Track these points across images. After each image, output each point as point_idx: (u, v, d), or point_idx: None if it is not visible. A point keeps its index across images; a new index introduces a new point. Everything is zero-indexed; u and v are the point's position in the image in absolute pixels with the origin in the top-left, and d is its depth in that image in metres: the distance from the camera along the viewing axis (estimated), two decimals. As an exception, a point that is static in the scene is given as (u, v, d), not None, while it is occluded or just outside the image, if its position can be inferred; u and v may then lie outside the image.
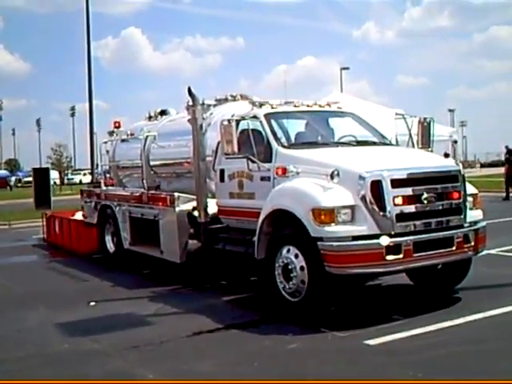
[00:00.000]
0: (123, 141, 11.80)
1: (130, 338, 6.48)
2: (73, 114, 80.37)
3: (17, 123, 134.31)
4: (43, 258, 13.08)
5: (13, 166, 76.50)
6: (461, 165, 7.56)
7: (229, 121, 7.48)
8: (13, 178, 60.36)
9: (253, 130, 7.77)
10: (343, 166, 6.65)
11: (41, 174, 26.85)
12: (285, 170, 7.08)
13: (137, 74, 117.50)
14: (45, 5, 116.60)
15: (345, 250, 6.31)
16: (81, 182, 52.85)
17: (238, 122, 7.73)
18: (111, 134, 12.33)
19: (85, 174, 56.77)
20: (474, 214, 7.29)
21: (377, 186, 6.45)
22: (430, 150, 8.30)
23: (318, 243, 6.40)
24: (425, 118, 8.39)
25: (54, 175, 54.69)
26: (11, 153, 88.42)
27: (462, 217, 6.99)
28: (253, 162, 7.50)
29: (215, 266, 9.09)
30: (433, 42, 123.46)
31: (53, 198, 25.68)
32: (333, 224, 6.36)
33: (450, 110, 79.40)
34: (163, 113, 11.54)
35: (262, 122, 7.76)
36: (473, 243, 7.05)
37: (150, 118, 11.84)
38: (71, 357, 6.01)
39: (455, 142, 15.56)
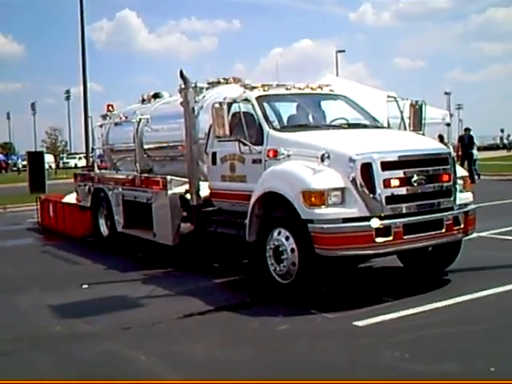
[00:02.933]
0: (116, 124, 11.77)
1: (122, 320, 6.52)
2: (68, 98, 79.68)
3: (12, 107, 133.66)
4: (37, 241, 13.12)
5: (8, 149, 76.10)
6: (451, 147, 7.59)
7: (220, 104, 7.47)
8: (19, 161, 59.84)
9: (244, 112, 7.76)
10: (334, 148, 6.67)
11: (35, 158, 27.04)
12: (276, 153, 7.10)
13: (132, 57, 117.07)
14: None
15: (335, 232, 6.35)
16: (76, 166, 52.70)
17: (229, 104, 7.72)
18: (104, 117, 12.30)
19: (80, 158, 56.57)
20: (463, 197, 7.33)
21: (367, 169, 6.47)
22: (421, 132, 8.30)
23: (309, 225, 6.43)
24: (416, 101, 8.39)
25: (49, 159, 54.58)
26: (6, 137, 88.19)
27: (452, 199, 7.02)
28: (244, 144, 7.51)
29: (208, 249, 9.13)
30: (430, 24, 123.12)
31: (48, 182, 25.90)
32: (323, 206, 6.39)
33: (446, 93, 79.05)
34: (156, 96, 11.51)
35: (253, 105, 7.76)
36: (462, 225, 7.09)
37: (143, 101, 11.80)
38: (63, 339, 6.04)
39: (448, 124, 15.57)
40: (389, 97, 9.01)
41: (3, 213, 19.78)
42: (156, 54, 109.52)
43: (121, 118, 11.57)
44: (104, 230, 11.49)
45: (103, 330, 6.26)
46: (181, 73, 8.27)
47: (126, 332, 6.12)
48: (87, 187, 12.03)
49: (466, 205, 7.34)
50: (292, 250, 6.71)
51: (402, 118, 8.71)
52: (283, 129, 7.60)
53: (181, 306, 6.92)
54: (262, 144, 7.40)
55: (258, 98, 7.84)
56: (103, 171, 12.06)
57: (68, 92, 79.94)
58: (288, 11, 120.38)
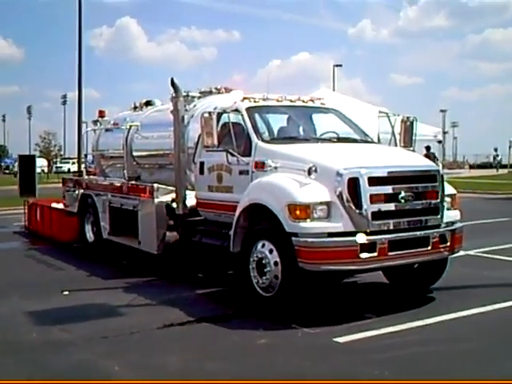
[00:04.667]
0: (107, 130, 11.71)
1: (100, 329, 6.41)
2: (64, 102, 79.69)
3: (8, 109, 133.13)
4: (22, 245, 12.93)
5: (1, 152, 75.89)
6: (440, 165, 7.56)
7: (209, 113, 7.41)
8: (15, 164, 59.40)
9: (234, 123, 7.69)
10: (321, 161, 6.61)
11: (27, 162, 26.60)
12: (263, 165, 7.03)
13: (131, 64, 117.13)
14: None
15: (319, 246, 6.27)
16: (69, 171, 52.48)
17: (219, 114, 7.67)
18: (95, 123, 12.21)
19: (73, 163, 56.22)
20: (451, 215, 7.28)
21: (354, 184, 6.40)
22: (411, 149, 8.27)
23: (293, 238, 6.35)
24: (408, 117, 8.36)
25: (42, 163, 54.44)
26: (1, 139, 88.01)
27: (439, 217, 6.97)
28: (232, 155, 7.44)
29: (193, 259, 9.02)
30: (428, 42, 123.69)
31: (38, 186, 25.67)
32: (308, 220, 6.32)
33: (441, 111, 79.48)
34: (148, 103, 11.42)
35: (243, 116, 7.70)
36: (449, 243, 7.04)
37: (135, 108, 11.72)
38: (38, 346, 5.92)
39: (439, 142, 15.55)
40: (380, 112, 8.98)
41: (-10, 215, 19.59)
42: (155, 62, 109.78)
43: (112, 125, 11.50)
44: (90, 236, 11.36)
45: (80, 338, 6.14)
46: (172, 81, 8.22)
47: (103, 341, 6.01)
48: (75, 193, 11.93)
49: (453, 223, 7.29)
50: (275, 263, 6.63)
51: (393, 134, 8.70)
52: (272, 141, 7.54)
53: (161, 316, 6.81)
54: (249, 155, 7.34)
55: (248, 109, 7.78)
56: (91, 177, 11.98)
57: (65, 97, 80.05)
58: (287, 24, 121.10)
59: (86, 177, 11.95)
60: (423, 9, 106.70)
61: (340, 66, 52.32)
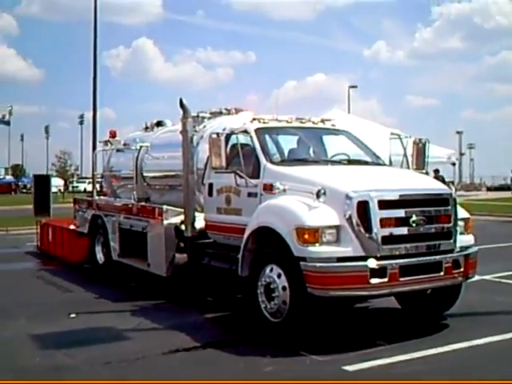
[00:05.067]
0: (118, 151, 11.68)
1: (105, 353, 6.31)
2: (81, 122, 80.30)
3: (27, 129, 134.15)
4: (33, 265, 12.90)
5: (18, 171, 76.65)
6: (453, 188, 7.40)
7: (217, 134, 7.33)
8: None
9: (243, 144, 7.62)
10: (330, 184, 6.48)
11: (41, 181, 26.76)
12: (272, 187, 6.91)
13: (147, 85, 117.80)
14: (59, 13, 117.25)
15: (328, 271, 6.12)
16: (85, 190, 52.72)
17: (228, 135, 7.61)
18: (106, 143, 12.20)
19: (89, 183, 56.64)
20: (464, 239, 7.10)
21: (363, 207, 6.27)
22: (424, 171, 8.12)
23: (301, 263, 6.21)
24: (420, 139, 8.22)
25: (59, 183, 54.77)
26: (19, 159, 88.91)
27: (452, 241, 6.78)
28: (240, 177, 7.34)
29: (202, 281, 8.90)
30: (443, 64, 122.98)
31: (53, 206, 25.77)
32: (317, 244, 6.18)
33: (457, 132, 79.16)
34: (159, 124, 11.38)
35: (252, 137, 7.61)
36: (463, 269, 6.84)
37: (146, 128, 11.68)
38: (40, 371, 5.82)
39: (453, 164, 15.35)
40: (392, 134, 8.83)
41: (5, 235, 19.69)
42: (171, 83, 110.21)
43: (123, 145, 11.47)
44: (100, 257, 11.30)
45: (83, 362, 6.04)
46: (180, 102, 8.16)
47: (106, 366, 5.90)
48: (86, 213, 11.90)
49: (467, 247, 7.10)
50: (283, 288, 6.48)
51: (405, 156, 8.54)
52: (281, 162, 7.42)
53: (167, 341, 6.69)
54: (258, 177, 7.23)
55: (257, 130, 7.69)
56: (102, 197, 11.94)
57: (82, 116, 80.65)
58: (303, 45, 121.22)
59: (96, 197, 11.89)
60: (438, 31, 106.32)
61: (355, 87, 52.26)
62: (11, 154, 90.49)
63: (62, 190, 54.61)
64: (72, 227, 12.75)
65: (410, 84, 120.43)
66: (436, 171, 17.08)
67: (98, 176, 13.94)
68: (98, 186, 14.76)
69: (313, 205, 6.34)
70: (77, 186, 63.73)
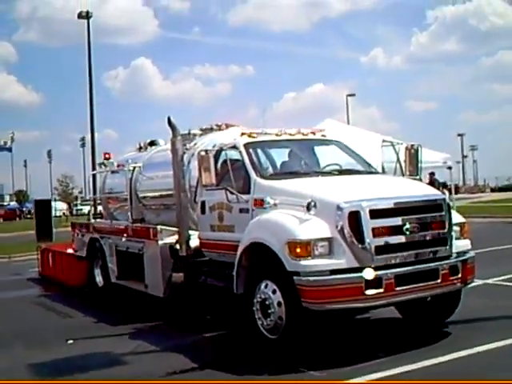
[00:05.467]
0: (113, 172, 11.64)
1: (102, 379, 6.20)
2: (83, 145, 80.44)
3: (29, 154, 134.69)
4: (33, 292, 12.80)
5: (22, 197, 76.77)
6: (447, 193, 7.31)
7: (206, 151, 7.28)
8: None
9: (232, 160, 7.55)
10: (320, 196, 6.40)
11: (42, 206, 26.79)
12: (262, 202, 6.83)
13: (147, 104, 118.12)
14: (56, 38, 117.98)
15: (321, 284, 6.02)
16: (89, 213, 52.72)
17: (217, 152, 7.56)
18: (100, 165, 12.17)
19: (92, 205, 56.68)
20: (461, 244, 6.99)
21: (355, 217, 6.18)
22: (418, 177, 8.03)
23: (294, 278, 6.12)
24: (412, 145, 8.13)
25: (62, 206, 54.82)
26: (23, 184, 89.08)
27: (448, 247, 6.68)
28: (231, 193, 7.27)
29: (200, 300, 8.81)
30: (441, 67, 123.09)
31: (58, 230, 25.74)
32: (309, 257, 6.09)
33: (459, 135, 79.05)
34: (152, 143, 11.34)
35: (241, 152, 7.55)
36: (460, 275, 6.73)
37: (140, 148, 11.66)
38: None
39: (449, 168, 15.23)
40: (384, 141, 8.75)
41: (8, 262, 19.65)
42: (171, 100, 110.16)
43: (117, 166, 11.43)
44: (99, 280, 11.20)
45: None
46: (169, 120, 8.09)
47: (102, 393, 5.81)
48: (84, 237, 11.83)
49: (463, 253, 7.00)
50: (279, 304, 6.38)
51: (399, 162, 8.47)
52: (271, 176, 7.36)
53: (164, 364, 6.62)
54: (249, 192, 7.16)
55: (246, 145, 7.62)
56: (98, 220, 11.89)
57: (83, 139, 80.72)
58: (300, 56, 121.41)
59: (92, 220, 11.84)
60: (434, 34, 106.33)
61: (353, 95, 52.31)
62: (15, 180, 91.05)
63: (67, 214, 54.63)
64: (70, 251, 12.69)
65: (409, 89, 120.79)
66: (431, 174, 17.00)
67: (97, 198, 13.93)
68: (98, 208, 14.79)
69: (304, 218, 6.25)
70: (81, 209, 63.53)
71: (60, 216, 48.61)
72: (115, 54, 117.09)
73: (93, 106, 26.96)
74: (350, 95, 51.20)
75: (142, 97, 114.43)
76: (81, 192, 73.91)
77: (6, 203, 77.09)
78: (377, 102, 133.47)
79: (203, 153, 7.27)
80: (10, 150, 63.54)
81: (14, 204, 73.55)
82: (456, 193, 31.68)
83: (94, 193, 26.59)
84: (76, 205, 66.79)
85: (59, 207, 53.27)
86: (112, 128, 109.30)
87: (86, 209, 63.20)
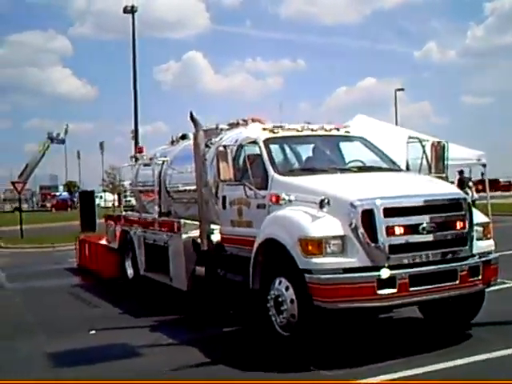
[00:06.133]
0: (145, 165, 11.76)
1: (114, 371, 6.31)
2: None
3: (83, 146, 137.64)
4: (68, 282, 13.00)
5: (73, 187, 78.50)
6: (474, 189, 7.09)
7: (225, 147, 7.26)
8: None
9: (252, 155, 7.52)
10: (334, 193, 6.30)
11: (86, 197, 27.49)
12: (278, 198, 6.77)
13: (198, 97, 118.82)
14: (109, 31, 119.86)
15: (333, 283, 5.93)
16: (119, 205, 53.48)
17: (238, 147, 7.53)
18: (132, 158, 12.32)
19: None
20: (483, 245, 6.78)
21: (368, 215, 6.05)
22: (444, 175, 7.81)
23: (306, 275, 6.05)
24: (438, 142, 7.91)
25: (110, 197, 55.77)
26: (76, 176, 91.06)
27: (468, 248, 6.48)
28: (250, 189, 7.24)
29: (223, 294, 8.80)
30: (498, 61, 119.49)
31: (99, 221, 26.27)
32: (321, 255, 6.00)
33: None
34: (184, 137, 11.41)
35: (260, 148, 7.50)
36: (481, 276, 6.52)
37: (172, 142, 11.76)
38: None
39: (484, 165, 14.70)
40: (410, 138, 8.52)
41: (51, 251, 20.13)
42: (222, 94, 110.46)
43: (149, 159, 11.55)
44: (130, 272, 11.38)
45: (85, 379, 6.03)
46: (191, 115, 8.09)
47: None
48: (115, 229, 12.02)
49: (486, 253, 6.78)
50: (291, 301, 6.32)
51: (426, 159, 8.24)
52: (288, 173, 7.28)
53: (178, 358, 6.65)
54: (266, 188, 7.11)
55: (266, 141, 7.57)
56: (128, 213, 12.04)
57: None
58: (352, 50, 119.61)
59: (123, 213, 12.00)
60: (491, 27, 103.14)
61: (402, 90, 51.06)
62: (69, 171, 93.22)
63: (117, 205, 55.59)
64: (104, 243, 12.92)
65: (464, 83, 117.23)
66: (461, 172, 16.50)
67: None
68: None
69: (317, 215, 6.17)
70: (129, 200, 64.74)
71: (110, 207, 49.47)
72: (166, 47, 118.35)
73: (137, 99, 27.31)
74: (398, 89, 50.06)
75: (192, 90, 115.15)
76: (131, 184, 75.36)
77: (58, 193, 79.00)
78: (429, 97, 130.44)
79: (221, 148, 7.26)
80: (63, 141, 64.85)
81: (65, 194, 75.28)
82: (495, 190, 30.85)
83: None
84: (126, 196, 67.99)
85: (109, 198, 54.11)
86: (162, 120, 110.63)
87: (133, 200, 64.50)
